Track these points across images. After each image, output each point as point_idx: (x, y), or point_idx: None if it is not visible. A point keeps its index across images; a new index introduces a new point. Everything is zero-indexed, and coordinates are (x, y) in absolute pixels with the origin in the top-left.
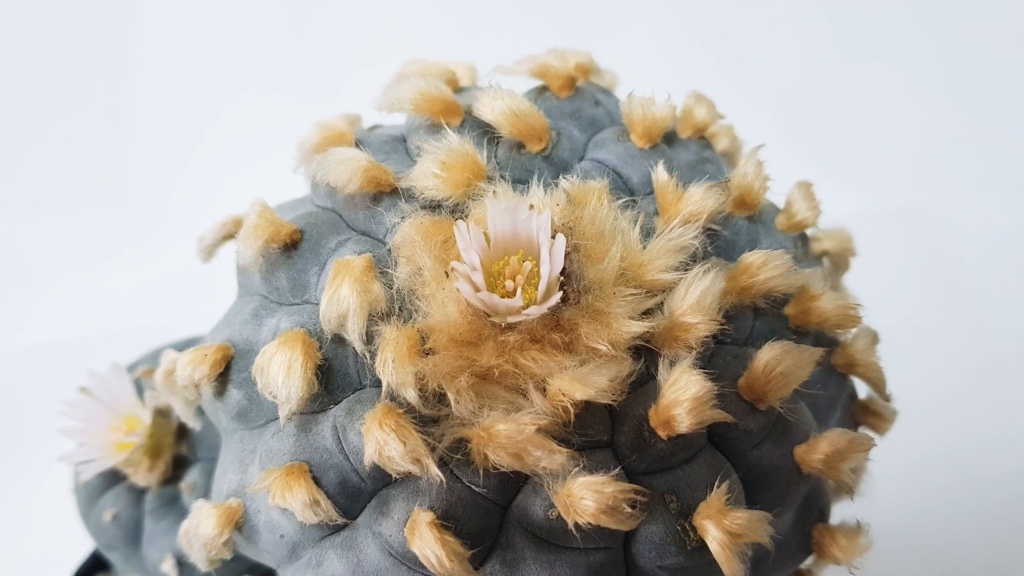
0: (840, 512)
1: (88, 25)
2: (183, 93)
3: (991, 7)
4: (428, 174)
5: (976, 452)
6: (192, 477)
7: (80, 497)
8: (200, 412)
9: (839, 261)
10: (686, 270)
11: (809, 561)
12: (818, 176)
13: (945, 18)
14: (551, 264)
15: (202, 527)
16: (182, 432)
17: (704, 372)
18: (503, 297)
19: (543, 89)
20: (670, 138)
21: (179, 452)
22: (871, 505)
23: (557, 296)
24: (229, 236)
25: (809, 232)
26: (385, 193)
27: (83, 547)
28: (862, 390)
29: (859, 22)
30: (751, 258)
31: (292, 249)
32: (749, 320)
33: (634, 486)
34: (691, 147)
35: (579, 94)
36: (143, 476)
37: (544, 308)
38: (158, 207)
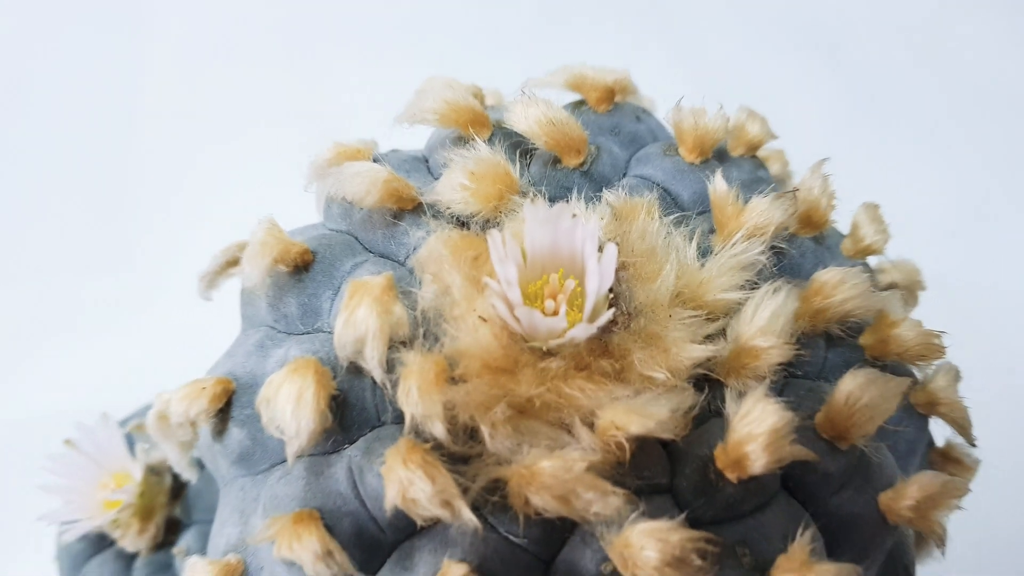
0: None
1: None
2: (182, 160)
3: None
4: (456, 186)
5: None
6: (186, 542)
7: (63, 565)
8: (197, 465)
9: (907, 295)
10: (752, 290)
11: None
12: None
13: (966, 85)
14: (600, 278)
15: None
16: (176, 492)
17: (781, 402)
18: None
19: (579, 103)
20: (721, 155)
21: (172, 514)
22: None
23: (609, 313)
24: (233, 262)
25: (873, 263)
26: (407, 210)
27: None
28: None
29: (878, 91)
30: (826, 276)
31: (303, 271)
32: (822, 351)
33: (704, 534)
34: (744, 165)
35: (618, 109)
36: (132, 540)
37: (594, 328)
38: (153, 278)
